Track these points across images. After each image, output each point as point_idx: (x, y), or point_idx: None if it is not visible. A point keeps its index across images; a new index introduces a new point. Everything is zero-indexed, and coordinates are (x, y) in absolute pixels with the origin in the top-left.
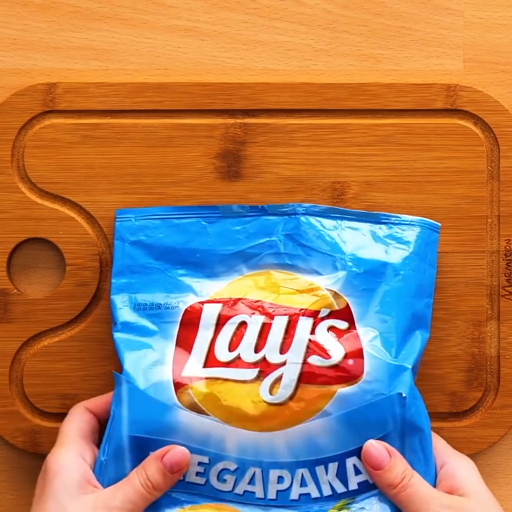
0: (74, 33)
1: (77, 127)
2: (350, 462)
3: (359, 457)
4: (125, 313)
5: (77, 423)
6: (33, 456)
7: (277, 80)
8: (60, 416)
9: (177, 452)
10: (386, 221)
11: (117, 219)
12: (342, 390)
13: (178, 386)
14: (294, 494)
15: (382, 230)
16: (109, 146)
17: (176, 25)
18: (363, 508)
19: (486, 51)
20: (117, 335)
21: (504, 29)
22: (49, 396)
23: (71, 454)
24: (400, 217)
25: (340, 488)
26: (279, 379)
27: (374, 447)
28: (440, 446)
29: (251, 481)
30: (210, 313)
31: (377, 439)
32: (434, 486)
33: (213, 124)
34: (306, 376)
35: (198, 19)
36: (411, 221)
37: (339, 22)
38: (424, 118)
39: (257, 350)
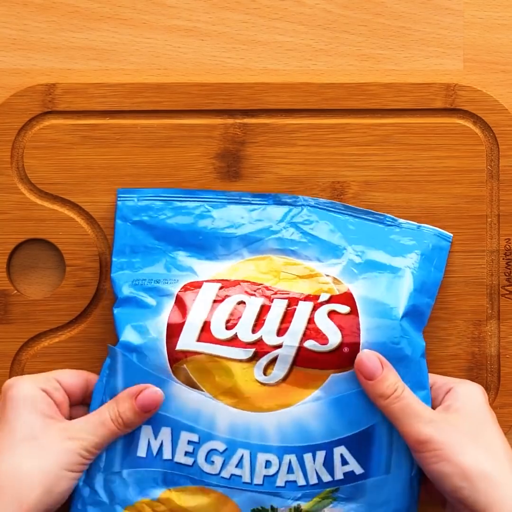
0: (74, 33)
1: (77, 128)
2: (338, 451)
3: (346, 446)
4: (124, 289)
5: (66, 373)
6: None
7: (277, 80)
8: None
9: (151, 392)
10: (390, 224)
11: (119, 199)
12: (335, 374)
13: (173, 360)
14: (280, 481)
15: (387, 231)
16: (109, 146)
17: (176, 25)
18: (347, 498)
19: (486, 51)
20: (116, 311)
21: (504, 29)
22: None
23: (37, 384)
24: (408, 223)
25: (326, 477)
26: (274, 360)
27: (368, 356)
28: (445, 379)
29: (239, 464)
30: (208, 290)
31: (365, 428)
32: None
33: (212, 124)
34: (301, 360)
35: (198, 19)
36: (419, 226)
37: (339, 22)
38: (423, 117)
39: (254, 330)
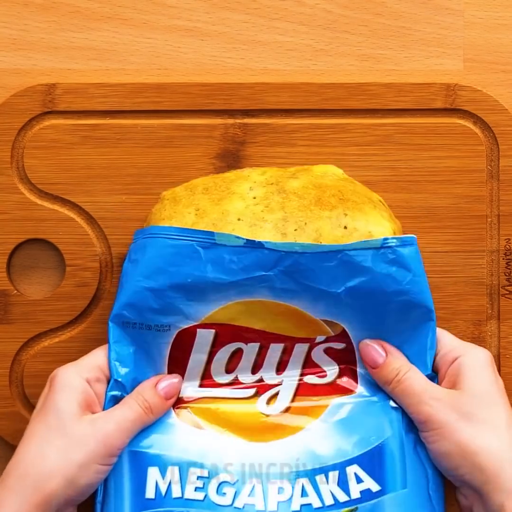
0: (74, 33)
1: (77, 128)
2: (351, 470)
3: (359, 465)
4: (115, 329)
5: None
6: None
7: (277, 80)
8: None
9: (171, 378)
10: (386, 245)
11: (134, 240)
12: (337, 400)
13: (176, 405)
14: (295, 505)
15: (384, 256)
16: (109, 146)
17: (176, 25)
18: None
19: (486, 51)
20: (110, 347)
21: (504, 29)
22: None
23: (81, 374)
24: (397, 239)
25: (342, 496)
26: (275, 395)
27: (370, 345)
28: (452, 343)
29: (251, 493)
30: (204, 339)
31: (375, 445)
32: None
33: (212, 125)
34: (302, 391)
35: (198, 19)
36: (406, 240)
37: (339, 22)
38: (423, 117)
39: (254, 372)
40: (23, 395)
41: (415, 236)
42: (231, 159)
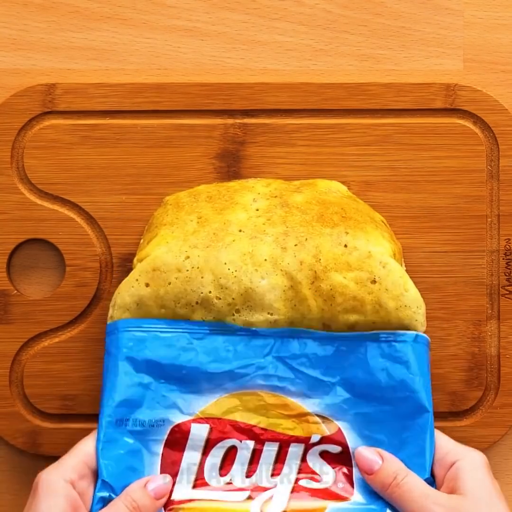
0: (74, 33)
1: (77, 128)
2: None
3: None
4: (108, 428)
5: (91, 451)
6: (33, 457)
7: (277, 80)
8: (60, 417)
9: (160, 479)
10: (385, 339)
11: (107, 334)
12: (333, 505)
13: (168, 506)
14: None
15: (380, 349)
16: (109, 146)
17: (176, 25)
18: None
19: (486, 51)
20: (100, 446)
21: (504, 29)
22: (50, 397)
23: (65, 477)
24: (399, 334)
25: None
26: (269, 499)
27: (365, 451)
28: (448, 446)
29: None
30: (198, 435)
31: None
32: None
33: (212, 125)
34: (297, 495)
35: (198, 19)
36: (409, 337)
37: (339, 22)
38: (423, 117)
39: (248, 475)
40: (23, 395)
41: (424, 336)
42: (231, 159)
